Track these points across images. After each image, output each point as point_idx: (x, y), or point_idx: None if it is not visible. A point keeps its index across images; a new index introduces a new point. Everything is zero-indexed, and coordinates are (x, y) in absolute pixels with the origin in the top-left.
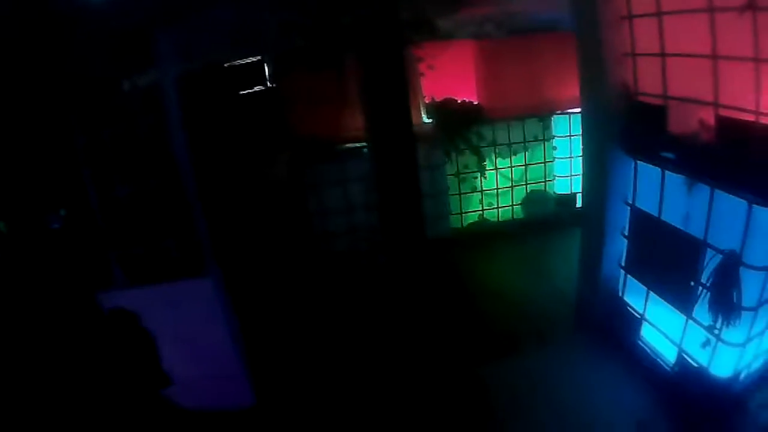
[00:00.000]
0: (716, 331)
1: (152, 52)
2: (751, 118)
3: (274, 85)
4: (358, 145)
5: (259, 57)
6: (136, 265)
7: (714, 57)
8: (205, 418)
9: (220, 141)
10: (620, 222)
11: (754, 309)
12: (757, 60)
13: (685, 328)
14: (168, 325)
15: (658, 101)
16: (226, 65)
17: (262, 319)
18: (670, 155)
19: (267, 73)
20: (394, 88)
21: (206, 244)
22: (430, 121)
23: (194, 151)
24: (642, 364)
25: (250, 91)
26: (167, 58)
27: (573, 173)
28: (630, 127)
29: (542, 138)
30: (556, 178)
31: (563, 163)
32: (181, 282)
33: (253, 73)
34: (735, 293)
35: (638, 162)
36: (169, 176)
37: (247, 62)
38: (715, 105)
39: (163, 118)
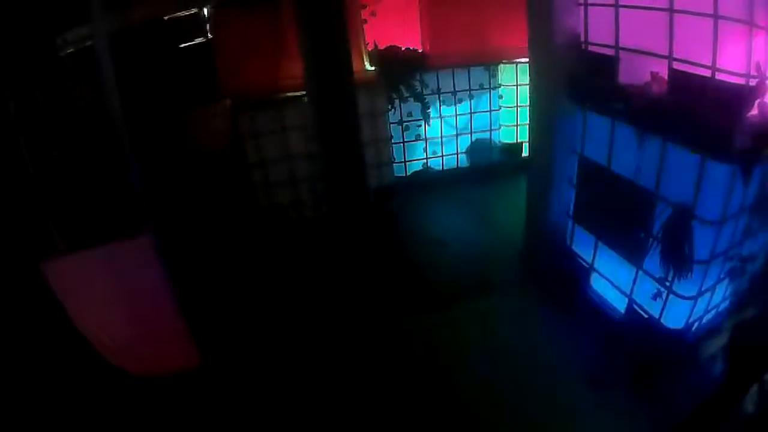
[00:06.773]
0: (668, 283)
1: (83, 7)
2: (706, 72)
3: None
4: (298, 93)
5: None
6: (76, 230)
7: (671, 11)
8: (152, 382)
9: (159, 97)
10: (568, 171)
11: (706, 262)
12: (715, 16)
13: (635, 279)
14: (110, 288)
15: (609, 51)
16: (166, 18)
17: (205, 277)
18: (620, 106)
19: (209, 24)
20: (334, 34)
21: (144, 203)
22: (373, 69)
23: (131, 109)
24: (591, 314)
25: (191, 43)
26: (100, 13)
27: (519, 122)
28: (579, 77)
29: (488, 86)
30: (502, 126)
31: (509, 112)
32: (119, 242)
33: (196, 25)
34: (687, 246)
35: (587, 112)
36: (104, 136)
37: (189, 14)
38: (670, 58)
39: (98, 76)
